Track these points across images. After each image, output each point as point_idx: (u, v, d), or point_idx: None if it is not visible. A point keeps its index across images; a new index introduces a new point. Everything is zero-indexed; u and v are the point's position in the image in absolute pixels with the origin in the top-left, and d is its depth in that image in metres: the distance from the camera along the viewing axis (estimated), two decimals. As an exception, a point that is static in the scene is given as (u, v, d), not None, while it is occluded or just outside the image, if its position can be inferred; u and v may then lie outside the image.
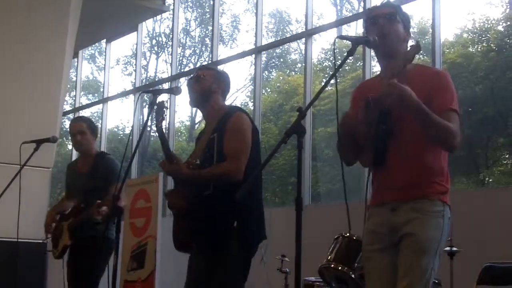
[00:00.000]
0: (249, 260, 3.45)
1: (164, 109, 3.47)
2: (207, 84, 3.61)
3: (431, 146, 2.74)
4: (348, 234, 4.19)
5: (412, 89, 2.61)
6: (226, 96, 3.70)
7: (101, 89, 12.86)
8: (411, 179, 2.73)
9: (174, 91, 3.78)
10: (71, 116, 12.80)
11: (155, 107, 3.46)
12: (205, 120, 3.73)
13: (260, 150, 3.59)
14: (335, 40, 3.02)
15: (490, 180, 9.08)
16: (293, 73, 12.76)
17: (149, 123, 4.08)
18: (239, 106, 3.77)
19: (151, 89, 3.86)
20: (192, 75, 3.73)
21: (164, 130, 3.51)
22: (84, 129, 4.90)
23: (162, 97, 3.57)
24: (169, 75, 11.22)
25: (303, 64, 9.46)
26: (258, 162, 3.47)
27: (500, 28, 9.55)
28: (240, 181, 3.28)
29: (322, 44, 10.89)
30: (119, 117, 13.98)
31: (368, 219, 2.86)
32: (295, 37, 10.66)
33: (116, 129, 14.52)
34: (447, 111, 2.69)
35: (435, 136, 2.67)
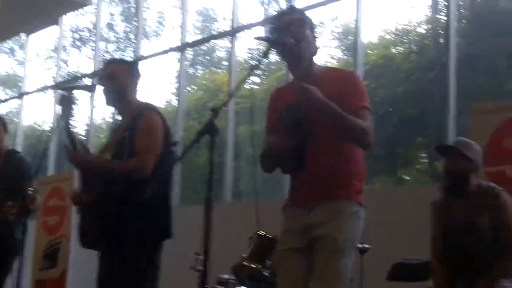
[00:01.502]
0: (156, 258, 3.43)
1: (72, 104, 3.39)
2: (121, 81, 3.54)
3: (347, 146, 2.79)
4: (263, 233, 4.29)
5: (322, 92, 2.65)
6: (136, 87, 3.64)
7: (20, 84, 12.52)
8: (327, 179, 2.77)
9: (89, 88, 3.72)
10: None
11: (61, 102, 3.39)
12: (120, 115, 3.69)
13: (173, 149, 3.57)
14: (258, 38, 3.03)
15: (408, 178, 9.33)
16: (220, 71, 12.75)
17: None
18: (153, 104, 3.72)
19: (65, 86, 3.76)
20: (102, 73, 3.65)
21: (70, 125, 3.42)
22: None
23: (75, 92, 3.51)
24: (92, 70, 11.01)
25: (229, 62, 9.48)
26: (169, 161, 3.47)
27: (421, 30, 9.81)
28: (146, 178, 3.27)
29: (248, 42, 10.88)
30: (38, 113, 13.58)
31: (284, 220, 2.90)
32: (221, 35, 10.69)
33: (35, 125, 14.16)
34: (358, 109, 2.74)
35: (348, 135, 2.72)
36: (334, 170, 2.77)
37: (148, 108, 3.57)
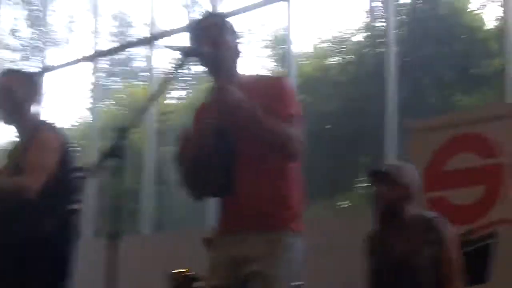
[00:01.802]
0: None
1: None
2: (19, 96, 3.45)
3: (280, 165, 2.72)
4: (179, 271, 4.39)
5: (249, 99, 2.61)
6: (36, 102, 3.56)
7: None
8: (258, 205, 2.69)
9: None
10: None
11: None
12: (19, 134, 3.57)
13: (71, 171, 3.48)
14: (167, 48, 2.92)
15: (346, 205, 9.14)
16: (140, 83, 12.41)
17: None
18: (50, 121, 3.61)
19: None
20: None
21: None
22: None
23: None
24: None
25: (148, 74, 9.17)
26: (66, 184, 3.40)
27: (359, 38, 9.65)
28: (31, 198, 3.21)
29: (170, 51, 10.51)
30: None
31: (212, 251, 2.83)
32: (139, 42, 10.29)
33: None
34: (286, 117, 2.69)
35: (271, 142, 2.66)
36: (266, 194, 2.70)
37: (43, 125, 3.49)
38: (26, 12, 12.88)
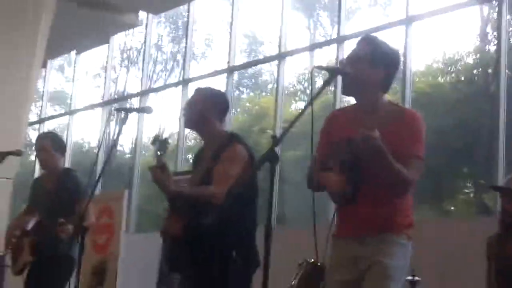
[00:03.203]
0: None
1: (167, 146, 3.46)
2: (198, 111, 3.66)
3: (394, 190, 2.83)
4: (312, 261, 4.19)
5: (382, 130, 2.70)
6: (224, 117, 3.75)
7: (68, 101, 12.75)
8: (377, 213, 2.80)
9: (145, 110, 3.81)
10: (36, 126, 12.68)
11: (157, 142, 3.45)
12: (204, 144, 3.81)
13: (257, 182, 3.63)
14: (312, 69, 3.11)
15: (453, 209, 9.21)
16: (264, 94, 12.79)
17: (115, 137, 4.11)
18: (238, 134, 3.86)
19: (123, 107, 3.88)
20: (189, 99, 3.79)
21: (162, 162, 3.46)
22: (47, 147, 4.87)
23: (167, 133, 3.60)
24: (139, 90, 11.17)
25: (275, 86, 9.54)
26: (252, 192, 3.56)
27: (469, 60, 9.72)
28: (219, 204, 3.34)
29: (294, 66, 10.95)
30: (85, 130, 13.80)
31: (333, 249, 2.93)
32: (268, 59, 10.79)
33: (81, 142, 14.39)
34: (411, 157, 2.78)
35: (388, 181, 2.77)
36: (385, 205, 2.81)
37: (234, 139, 3.66)
38: (168, 29, 13.69)
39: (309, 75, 10.86)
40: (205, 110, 3.65)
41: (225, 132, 3.74)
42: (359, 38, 3.07)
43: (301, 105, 11.55)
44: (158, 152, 3.42)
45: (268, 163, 2.57)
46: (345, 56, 3.01)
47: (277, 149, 2.65)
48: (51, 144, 4.87)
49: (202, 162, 3.70)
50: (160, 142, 3.44)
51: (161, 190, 3.51)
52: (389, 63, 2.96)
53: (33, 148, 5.08)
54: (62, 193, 4.74)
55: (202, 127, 3.69)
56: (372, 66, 2.89)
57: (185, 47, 10.50)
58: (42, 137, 5.11)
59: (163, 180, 3.39)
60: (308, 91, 11.03)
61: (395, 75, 3.06)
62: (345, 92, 3.00)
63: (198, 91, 3.84)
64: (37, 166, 10.62)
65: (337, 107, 7.63)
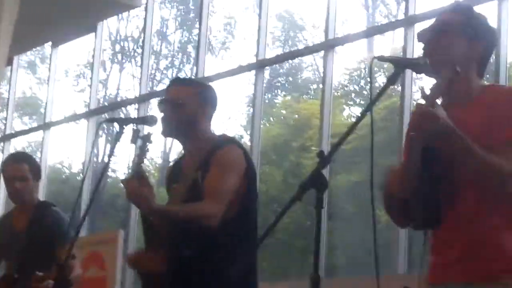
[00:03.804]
0: None
1: (148, 144, 3.56)
2: (190, 112, 3.72)
3: (502, 198, 2.77)
4: None
5: (470, 119, 2.76)
6: (212, 117, 3.83)
7: (42, 110, 12.90)
8: (480, 247, 2.76)
9: (146, 121, 3.86)
10: (-1, 145, 12.86)
11: (139, 140, 3.55)
12: (186, 152, 3.87)
13: (257, 197, 3.77)
14: (372, 61, 3.06)
15: None
16: (306, 97, 12.86)
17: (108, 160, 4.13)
18: (232, 136, 3.99)
19: (116, 118, 3.95)
20: (163, 97, 3.83)
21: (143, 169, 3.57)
22: (26, 174, 4.91)
23: (147, 128, 3.70)
24: (137, 94, 11.25)
25: (320, 86, 9.56)
26: (251, 211, 3.66)
27: None
28: (214, 227, 3.42)
29: (347, 59, 11.00)
30: (65, 149, 13.95)
31: None
32: (310, 50, 10.80)
33: (60, 166, 14.53)
34: (505, 142, 2.77)
35: (484, 179, 2.75)
36: (490, 235, 2.76)
37: (228, 141, 3.75)
38: (175, 12, 13.80)
39: (367, 69, 10.93)
40: (196, 110, 3.73)
41: (216, 136, 3.82)
42: (440, 14, 3.06)
43: (355, 111, 11.60)
44: (141, 151, 3.47)
45: (313, 191, 2.55)
46: (418, 35, 2.98)
47: (325, 172, 2.65)
48: (29, 169, 4.93)
49: (184, 175, 3.75)
50: (143, 138, 3.51)
51: (138, 207, 3.57)
52: (489, 38, 2.96)
53: (2, 174, 5.11)
54: (38, 235, 4.78)
55: (188, 132, 3.76)
56: (468, 38, 2.91)
57: (199, 35, 10.54)
58: (13, 159, 5.13)
59: (142, 195, 3.41)
60: (365, 92, 11.01)
61: (491, 56, 3.06)
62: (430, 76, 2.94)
63: (177, 82, 3.95)
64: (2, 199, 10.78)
65: (406, 113, 7.65)
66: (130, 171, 3.47)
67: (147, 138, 3.56)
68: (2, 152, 12.40)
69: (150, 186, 3.49)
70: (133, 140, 3.57)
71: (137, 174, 3.51)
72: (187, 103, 3.72)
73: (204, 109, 3.76)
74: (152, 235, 3.64)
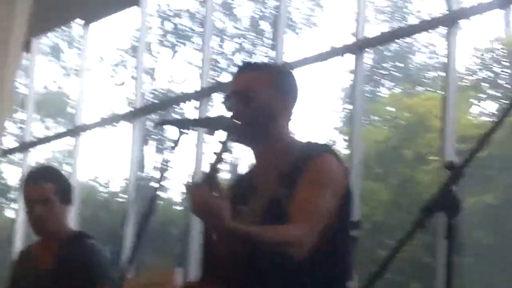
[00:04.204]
0: None
1: (232, 141, 3.57)
2: (264, 106, 3.77)
3: None
4: None
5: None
6: (292, 113, 3.88)
7: (71, 109, 13.11)
8: None
9: (213, 123, 3.85)
10: (15, 157, 13.07)
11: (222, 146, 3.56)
12: (259, 160, 3.91)
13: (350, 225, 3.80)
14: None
15: None
16: (420, 89, 12.84)
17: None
18: (326, 143, 4.03)
19: (171, 119, 4.03)
20: (231, 89, 3.87)
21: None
22: (49, 196, 4.97)
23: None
24: (197, 87, 11.35)
25: (441, 75, 9.50)
26: (346, 242, 3.74)
27: None
28: (303, 257, 3.45)
29: (474, 38, 10.97)
30: (101, 161, 14.11)
31: None
32: (427, 25, 10.74)
33: (94, 183, 14.75)
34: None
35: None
36: None
37: (320, 149, 3.77)
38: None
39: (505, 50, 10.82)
40: (271, 103, 3.78)
41: (299, 141, 3.86)
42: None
43: (489, 107, 11.52)
44: (223, 148, 3.47)
45: (438, 216, 2.59)
46: None
47: (456, 189, 2.67)
48: (55, 190, 5.00)
49: (257, 192, 3.79)
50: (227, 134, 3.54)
51: (209, 223, 3.55)
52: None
53: (21, 196, 5.17)
54: (68, 277, 4.83)
55: (263, 132, 3.80)
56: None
57: (277, 8, 10.69)
58: (34, 177, 5.18)
59: (216, 206, 3.39)
60: (502, 82, 10.99)
61: None
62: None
63: (247, 68, 3.96)
64: (21, 228, 10.92)
65: None
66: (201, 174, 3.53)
67: (232, 133, 3.58)
68: (21, 167, 12.55)
69: (224, 195, 3.44)
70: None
71: (210, 179, 3.46)
72: (260, 95, 3.78)
73: (284, 102, 3.81)
74: (214, 260, 3.66)
